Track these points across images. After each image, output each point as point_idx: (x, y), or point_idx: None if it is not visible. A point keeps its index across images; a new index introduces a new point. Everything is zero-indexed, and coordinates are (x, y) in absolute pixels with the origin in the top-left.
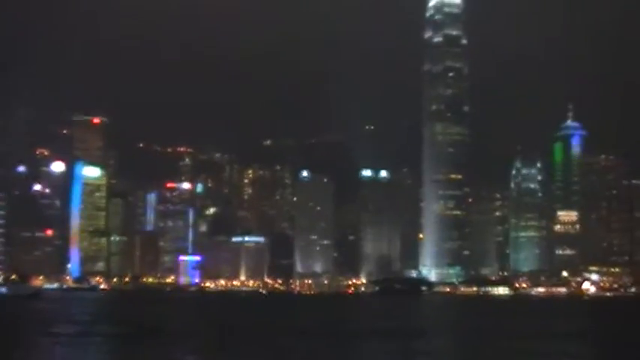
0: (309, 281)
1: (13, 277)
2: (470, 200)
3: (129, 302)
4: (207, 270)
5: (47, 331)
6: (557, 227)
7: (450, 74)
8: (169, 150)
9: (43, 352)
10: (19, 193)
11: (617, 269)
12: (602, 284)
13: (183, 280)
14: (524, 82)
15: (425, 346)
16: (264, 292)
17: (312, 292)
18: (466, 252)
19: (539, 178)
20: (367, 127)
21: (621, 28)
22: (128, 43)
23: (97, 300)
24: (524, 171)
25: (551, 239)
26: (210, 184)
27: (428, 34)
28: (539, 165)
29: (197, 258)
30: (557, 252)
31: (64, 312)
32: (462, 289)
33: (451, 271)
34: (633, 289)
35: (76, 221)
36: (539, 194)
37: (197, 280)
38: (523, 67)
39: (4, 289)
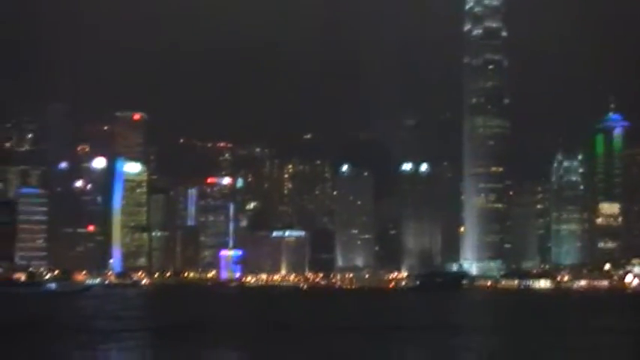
0: (350, 275)
1: (56, 272)
2: (511, 193)
3: (171, 297)
4: (248, 265)
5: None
6: (599, 220)
7: (490, 67)
8: (209, 145)
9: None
10: (61, 190)
11: None
12: None
13: (225, 275)
14: (565, 74)
15: (466, 342)
16: (304, 286)
17: (353, 287)
18: (507, 245)
19: (581, 170)
20: (407, 121)
21: None
22: (168, 38)
23: (140, 295)
24: (565, 163)
25: (593, 232)
26: (250, 179)
27: (467, 27)
28: (580, 157)
29: (238, 253)
30: (599, 245)
31: (111, 307)
32: (503, 282)
33: (492, 264)
34: None
35: (117, 217)
36: (581, 187)
37: (238, 275)
38: (564, 59)
39: (53, 285)
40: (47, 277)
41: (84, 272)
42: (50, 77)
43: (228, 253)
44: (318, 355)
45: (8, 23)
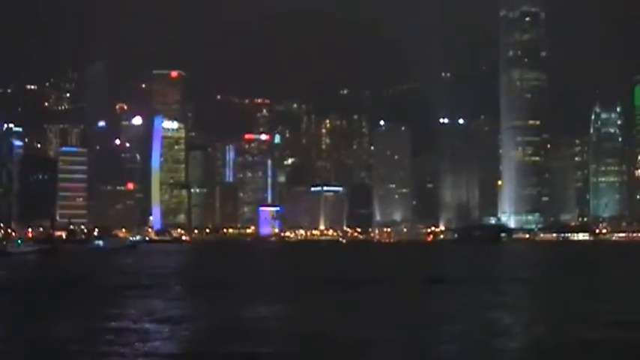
0: (388, 230)
1: (96, 230)
2: (548, 146)
3: (213, 253)
4: (286, 220)
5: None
6: (638, 172)
7: (527, 19)
8: (247, 102)
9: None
10: (100, 148)
11: None
12: None
13: (264, 230)
14: (602, 26)
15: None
16: (343, 240)
17: (391, 241)
18: (545, 198)
19: (619, 122)
20: (444, 75)
21: None
22: None
23: (182, 251)
24: (603, 115)
25: (632, 184)
26: (287, 135)
27: None
28: (618, 109)
29: (276, 208)
30: (638, 197)
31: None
32: (541, 235)
33: (530, 217)
34: None
35: (156, 174)
36: (619, 139)
37: (277, 230)
38: (601, 10)
39: (101, 242)
40: (89, 234)
41: (124, 229)
42: (88, 36)
43: (267, 209)
44: (349, 308)
45: None
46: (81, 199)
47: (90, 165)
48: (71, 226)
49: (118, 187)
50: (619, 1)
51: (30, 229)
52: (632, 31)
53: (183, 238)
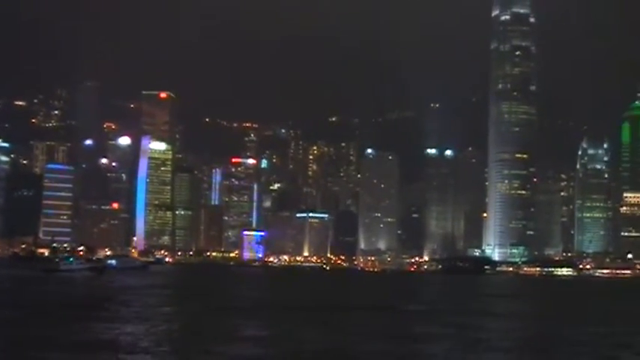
0: (372, 258)
1: (80, 249)
2: (535, 180)
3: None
4: (271, 245)
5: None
6: (624, 209)
7: (518, 53)
8: (235, 125)
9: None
10: (87, 167)
11: None
12: None
13: (247, 254)
14: (592, 62)
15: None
16: (327, 267)
17: (376, 270)
18: (530, 232)
19: (606, 158)
20: (433, 105)
21: None
22: (197, 18)
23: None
24: (590, 151)
25: (617, 221)
26: (275, 160)
27: (496, 12)
28: (606, 145)
29: (261, 233)
30: (622, 234)
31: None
32: (525, 269)
33: (515, 250)
34: None
35: (142, 195)
36: (606, 175)
37: (261, 255)
38: (592, 47)
39: (113, 262)
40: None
41: (107, 249)
42: (79, 54)
43: (251, 233)
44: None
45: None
46: (65, 216)
47: (76, 183)
48: (54, 244)
49: (103, 207)
50: (610, 40)
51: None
52: (621, 68)
53: (166, 260)
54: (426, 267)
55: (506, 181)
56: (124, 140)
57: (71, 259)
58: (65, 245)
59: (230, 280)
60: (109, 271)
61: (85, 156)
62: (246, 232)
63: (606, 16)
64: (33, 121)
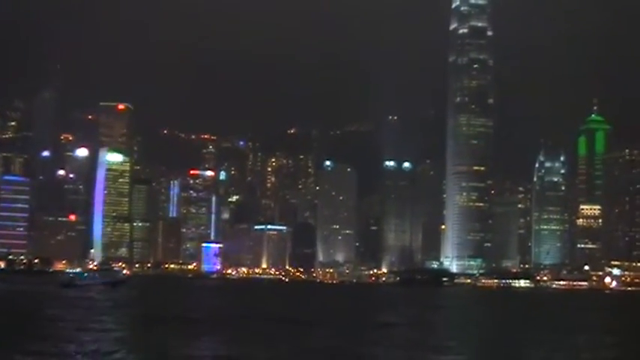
0: (331, 270)
1: (36, 261)
2: (492, 192)
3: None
4: (229, 257)
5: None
6: (580, 221)
7: (475, 66)
8: (193, 137)
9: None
10: (44, 178)
11: (639, 264)
12: (624, 279)
13: (206, 267)
14: (549, 76)
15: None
16: (286, 279)
17: (334, 282)
18: (488, 244)
19: (563, 171)
20: (391, 118)
21: None
22: (153, 30)
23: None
24: (547, 164)
25: (574, 233)
26: (233, 172)
27: (454, 25)
28: (562, 158)
29: (219, 245)
30: (579, 246)
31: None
32: (483, 281)
33: (472, 262)
34: None
35: (99, 207)
36: (563, 188)
37: (219, 268)
38: (548, 60)
39: (96, 276)
40: (29, 264)
41: (64, 261)
42: (36, 64)
43: (209, 246)
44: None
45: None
46: (22, 228)
47: (32, 195)
48: (10, 256)
49: (60, 218)
50: (566, 53)
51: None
52: (578, 82)
53: (124, 272)
54: (384, 279)
55: (464, 194)
56: (82, 152)
57: (85, 274)
58: (21, 257)
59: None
60: (122, 285)
61: (41, 167)
62: (204, 245)
63: (563, 29)
64: None
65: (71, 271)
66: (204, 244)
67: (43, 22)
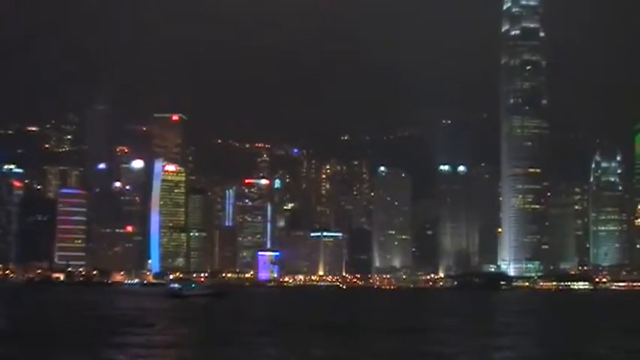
0: (388, 276)
1: (94, 272)
2: (549, 194)
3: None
4: (285, 265)
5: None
6: (638, 221)
7: (528, 67)
8: (247, 146)
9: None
10: (100, 190)
11: None
12: None
13: (262, 275)
14: (603, 74)
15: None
16: (344, 286)
17: (392, 287)
18: (545, 246)
19: (619, 171)
20: (444, 122)
21: None
22: (207, 41)
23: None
24: (603, 164)
25: (632, 233)
26: (287, 180)
27: (505, 27)
28: (619, 158)
29: (275, 253)
30: (638, 246)
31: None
32: (541, 283)
33: (530, 265)
34: None
35: (155, 217)
36: (619, 187)
37: (275, 276)
38: (602, 59)
39: (176, 285)
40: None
41: (122, 272)
42: (89, 78)
43: (265, 254)
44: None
45: (55, 24)
46: (79, 240)
47: (89, 207)
48: (69, 268)
49: (117, 230)
50: (619, 51)
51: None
52: (632, 80)
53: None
54: (441, 283)
55: (520, 196)
56: (137, 163)
57: (193, 285)
58: (80, 269)
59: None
60: (225, 296)
61: (97, 180)
62: (260, 253)
63: (616, 27)
64: (46, 146)
65: (129, 282)
66: (260, 253)
67: (97, 35)
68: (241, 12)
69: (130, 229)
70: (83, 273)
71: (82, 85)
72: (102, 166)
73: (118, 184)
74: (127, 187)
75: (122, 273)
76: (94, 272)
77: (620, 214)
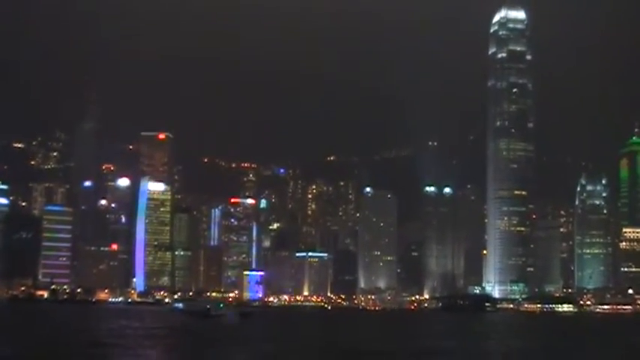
0: (373, 297)
1: (79, 290)
2: (534, 216)
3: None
4: (270, 285)
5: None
6: (623, 244)
7: (515, 90)
8: (234, 165)
9: None
10: (86, 208)
11: None
12: None
13: (247, 295)
14: (589, 98)
15: None
16: (328, 307)
17: (377, 308)
18: (530, 268)
19: (605, 194)
20: (431, 143)
21: None
22: (194, 60)
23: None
24: (589, 187)
25: (617, 256)
26: (274, 200)
27: (492, 50)
28: (604, 181)
29: (261, 273)
30: (622, 269)
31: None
32: (526, 305)
33: (515, 287)
34: None
35: (141, 236)
36: (605, 211)
37: (260, 295)
38: (588, 83)
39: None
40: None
41: (106, 290)
42: (77, 96)
43: (250, 274)
44: None
45: (42, 43)
46: (64, 258)
47: (74, 225)
48: (53, 286)
49: (102, 248)
50: (605, 76)
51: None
52: (618, 105)
53: (166, 300)
54: (426, 305)
55: (506, 218)
56: (123, 181)
57: (222, 305)
58: (65, 287)
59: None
60: (250, 316)
61: (83, 197)
62: (245, 272)
63: (602, 52)
64: (32, 162)
65: (114, 300)
66: (245, 272)
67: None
68: (229, 33)
69: (115, 247)
70: (67, 291)
71: (70, 103)
72: (88, 183)
73: (103, 202)
74: (113, 205)
75: (107, 291)
76: (79, 290)
77: (605, 237)
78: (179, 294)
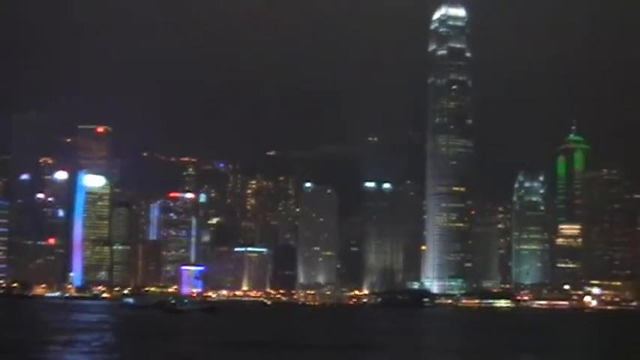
0: (312, 292)
1: (15, 285)
2: (473, 213)
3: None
4: (209, 280)
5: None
6: (560, 240)
7: (454, 87)
8: (173, 160)
9: None
10: (22, 202)
11: (618, 283)
12: (603, 298)
13: (186, 290)
14: (527, 96)
15: None
16: (268, 302)
17: (316, 303)
18: (468, 264)
19: (542, 191)
20: (371, 139)
21: (624, 45)
22: (133, 52)
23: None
24: (527, 184)
25: (554, 252)
26: (213, 194)
27: (432, 47)
28: (542, 178)
29: (200, 268)
30: (559, 265)
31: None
32: (464, 301)
33: (453, 283)
34: (634, 304)
35: (79, 230)
36: (542, 207)
37: (199, 290)
38: (527, 81)
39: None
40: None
41: (43, 285)
42: (14, 87)
43: (189, 268)
44: None
45: None
46: (0, 252)
47: (11, 218)
48: None
49: (39, 242)
50: (544, 73)
51: None
52: (557, 102)
53: (104, 295)
54: (365, 300)
55: (444, 214)
56: (61, 175)
57: (186, 301)
58: (1, 282)
59: None
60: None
61: (21, 191)
62: (184, 267)
63: (541, 50)
64: None
65: (51, 295)
66: (184, 267)
67: (22, 43)
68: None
69: (52, 241)
70: (3, 285)
71: (7, 94)
72: (25, 176)
73: (41, 195)
74: (51, 199)
75: (44, 286)
76: (14, 284)
77: (542, 233)
78: (117, 288)
